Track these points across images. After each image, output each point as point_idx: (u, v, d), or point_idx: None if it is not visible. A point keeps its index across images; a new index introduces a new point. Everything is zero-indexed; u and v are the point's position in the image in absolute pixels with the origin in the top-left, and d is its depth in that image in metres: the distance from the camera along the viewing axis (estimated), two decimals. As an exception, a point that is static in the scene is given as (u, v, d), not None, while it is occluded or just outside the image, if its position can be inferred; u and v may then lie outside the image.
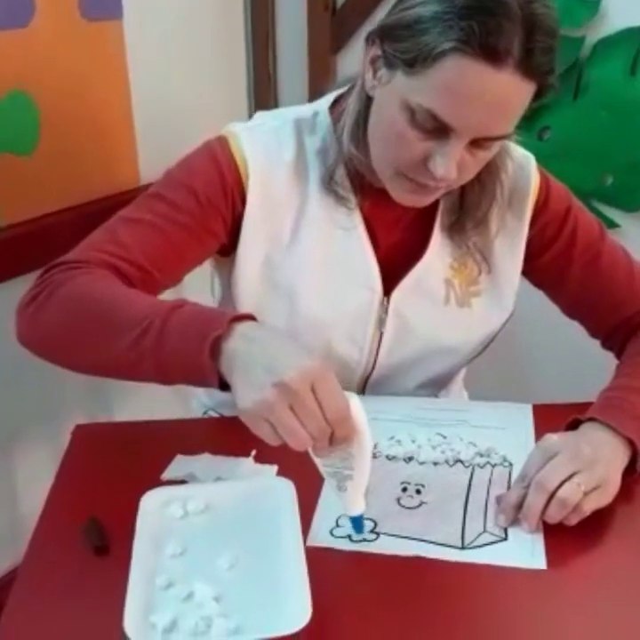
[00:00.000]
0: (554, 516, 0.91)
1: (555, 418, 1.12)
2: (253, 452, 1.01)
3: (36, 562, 0.90)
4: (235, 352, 0.84)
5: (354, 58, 2.01)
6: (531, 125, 1.97)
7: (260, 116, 1.19)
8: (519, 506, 0.93)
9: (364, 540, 0.91)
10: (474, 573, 0.87)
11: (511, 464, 1.03)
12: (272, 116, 1.17)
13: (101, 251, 1.02)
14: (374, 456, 1.04)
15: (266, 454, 1.01)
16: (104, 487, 1.00)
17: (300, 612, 0.76)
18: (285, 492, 0.92)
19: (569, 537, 0.91)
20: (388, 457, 1.05)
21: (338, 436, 0.82)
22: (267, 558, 0.85)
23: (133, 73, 1.72)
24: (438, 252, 1.16)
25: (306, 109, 1.15)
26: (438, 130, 0.95)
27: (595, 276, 1.19)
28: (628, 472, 0.98)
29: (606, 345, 1.25)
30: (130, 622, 0.76)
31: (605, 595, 0.85)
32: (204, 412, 1.33)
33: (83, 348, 0.95)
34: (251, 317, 0.88)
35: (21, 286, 1.56)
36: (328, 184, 1.10)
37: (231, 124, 1.13)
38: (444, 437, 1.08)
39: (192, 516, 0.92)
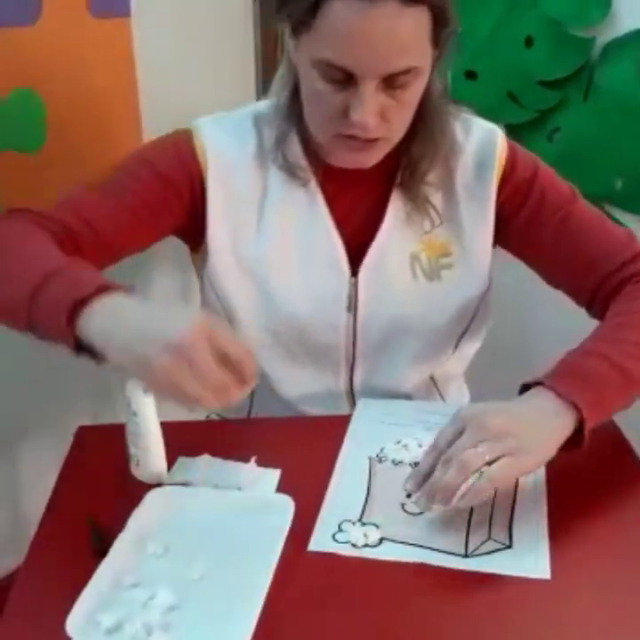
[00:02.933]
0: (455, 479, 0.87)
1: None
2: (254, 457, 1.01)
3: (36, 563, 0.89)
4: (102, 326, 0.87)
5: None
6: (541, 127, 1.96)
7: (221, 113, 1.22)
8: (428, 475, 0.92)
9: (367, 545, 0.90)
10: (477, 581, 0.85)
11: None
12: (235, 112, 1.21)
13: (57, 206, 1.09)
14: (380, 460, 1.03)
15: (268, 458, 1.01)
16: (106, 489, 1.00)
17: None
18: (282, 511, 0.91)
19: (574, 546, 0.90)
20: (393, 462, 1.04)
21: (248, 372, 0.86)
22: (235, 578, 0.84)
23: (141, 70, 1.71)
24: (397, 216, 1.16)
25: (265, 104, 1.18)
26: (346, 79, 0.99)
27: (567, 236, 1.16)
28: (576, 441, 0.95)
29: (591, 313, 1.19)
30: (74, 617, 0.76)
31: (610, 604, 0.83)
32: (207, 416, 1.33)
33: None
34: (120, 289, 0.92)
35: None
36: (285, 165, 1.13)
37: (199, 118, 1.18)
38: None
39: (184, 519, 0.92)
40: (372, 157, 1.09)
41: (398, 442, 1.07)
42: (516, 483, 1.00)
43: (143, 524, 0.90)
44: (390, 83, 0.99)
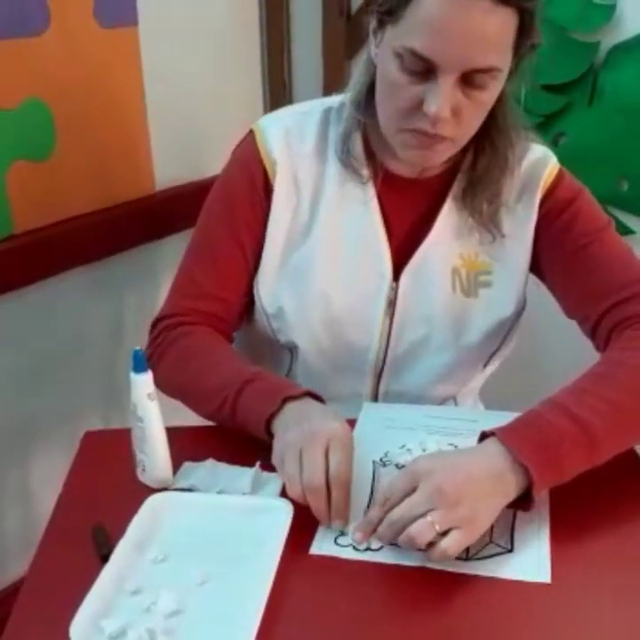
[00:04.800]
0: (406, 548, 0.88)
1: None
2: (258, 463, 1.02)
3: (42, 569, 0.90)
4: (279, 425, 1.01)
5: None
6: (546, 131, 1.96)
7: (292, 106, 1.27)
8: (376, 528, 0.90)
9: (369, 548, 0.90)
10: (477, 585, 0.86)
11: None
12: (303, 105, 1.25)
13: (185, 296, 1.21)
14: (384, 464, 1.04)
15: (272, 464, 1.01)
16: (112, 494, 1.01)
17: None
18: (281, 514, 0.92)
19: (574, 551, 0.91)
20: (397, 465, 1.04)
21: (335, 496, 0.92)
22: (236, 583, 0.85)
23: (148, 79, 1.72)
24: (446, 228, 1.17)
25: (336, 99, 1.20)
26: (426, 71, 1.00)
27: (585, 261, 1.15)
28: (524, 501, 0.91)
29: (594, 345, 1.16)
30: (77, 623, 0.78)
31: (610, 609, 0.84)
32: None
33: (187, 405, 1.15)
34: (306, 394, 1.04)
35: (37, 293, 1.60)
36: (347, 161, 1.15)
37: (262, 118, 1.22)
38: (456, 447, 1.07)
39: (185, 524, 0.93)
40: (437, 156, 1.09)
41: (402, 446, 1.08)
42: None
43: (142, 530, 0.91)
44: (468, 81, 1.00)
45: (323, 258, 1.17)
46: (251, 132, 1.21)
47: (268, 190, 1.18)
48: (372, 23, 1.06)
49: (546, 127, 1.95)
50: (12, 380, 1.63)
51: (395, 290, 1.18)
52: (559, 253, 1.17)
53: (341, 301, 1.18)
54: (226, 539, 0.92)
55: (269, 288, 1.20)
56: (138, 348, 0.97)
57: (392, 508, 0.89)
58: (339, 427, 0.98)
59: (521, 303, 1.22)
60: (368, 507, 0.97)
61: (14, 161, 1.51)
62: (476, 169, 1.15)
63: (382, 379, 1.24)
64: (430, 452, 1.06)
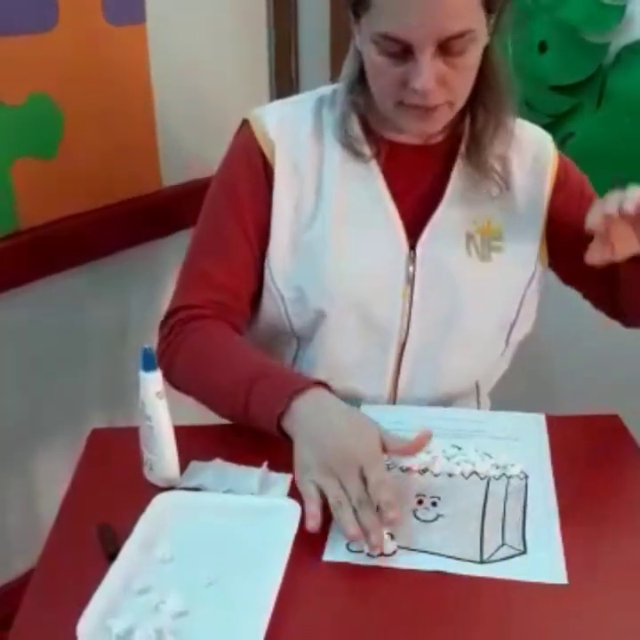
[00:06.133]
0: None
1: (569, 429, 1.11)
2: (266, 463, 1.01)
3: (49, 567, 0.90)
4: (293, 425, 1.00)
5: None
6: (554, 132, 1.94)
7: (283, 99, 1.30)
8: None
9: (382, 554, 0.89)
10: (493, 588, 0.85)
11: (527, 476, 1.02)
12: (295, 97, 1.29)
13: (193, 288, 1.21)
14: (388, 468, 1.03)
15: (280, 463, 1.01)
16: (118, 493, 1.01)
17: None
18: (290, 515, 0.91)
19: (590, 551, 0.90)
20: (401, 469, 1.04)
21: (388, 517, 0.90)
22: (244, 584, 0.84)
23: (156, 76, 1.72)
24: (457, 192, 1.19)
25: (328, 88, 1.25)
26: (403, 50, 1.03)
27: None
28: None
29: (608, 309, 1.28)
30: (85, 622, 0.77)
31: (629, 610, 0.83)
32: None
33: (201, 401, 1.15)
34: (317, 383, 1.04)
35: (43, 289, 1.60)
36: (347, 142, 1.18)
37: (256, 108, 1.24)
38: (459, 449, 1.07)
39: (192, 524, 0.93)
40: (437, 123, 1.13)
41: None
42: (526, 486, 1.00)
43: (150, 530, 0.91)
44: (446, 49, 1.03)
45: (335, 237, 1.18)
46: (245, 121, 1.23)
47: (268, 175, 1.19)
48: (350, 16, 1.10)
49: (554, 128, 1.94)
50: (16, 376, 1.63)
51: (412, 259, 1.18)
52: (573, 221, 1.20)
53: (361, 278, 1.19)
54: (233, 539, 0.91)
55: (283, 271, 1.20)
56: (147, 345, 0.97)
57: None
58: (366, 438, 0.97)
59: (531, 270, 1.23)
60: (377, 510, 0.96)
61: (20, 157, 1.51)
62: (475, 128, 1.18)
63: (405, 353, 1.22)
64: (434, 454, 1.06)
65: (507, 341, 1.27)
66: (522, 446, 1.08)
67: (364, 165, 1.19)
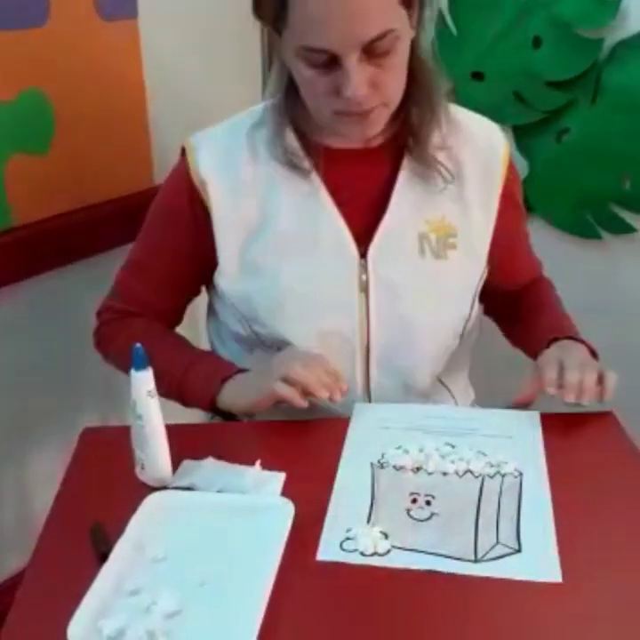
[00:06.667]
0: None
1: (564, 426, 1.11)
2: (259, 462, 1.01)
3: (40, 567, 0.89)
4: (228, 395, 1.16)
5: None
6: (548, 128, 1.95)
7: (221, 122, 1.27)
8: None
9: (376, 554, 0.89)
10: (488, 587, 0.85)
11: (521, 473, 1.02)
12: (226, 120, 1.27)
13: (118, 296, 1.33)
14: (382, 466, 1.03)
15: (273, 461, 1.01)
16: (110, 492, 1.00)
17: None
18: (282, 514, 0.91)
19: (584, 549, 0.90)
20: (395, 467, 1.04)
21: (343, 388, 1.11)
22: (237, 583, 0.84)
23: (148, 72, 1.71)
24: (406, 191, 1.19)
25: (259, 107, 1.23)
26: (329, 60, 1.02)
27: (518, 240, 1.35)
28: None
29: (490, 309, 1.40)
30: (75, 624, 0.77)
31: (624, 607, 0.83)
32: (211, 417, 1.32)
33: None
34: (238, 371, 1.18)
35: (37, 286, 1.59)
36: (285, 159, 1.17)
37: (192, 135, 1.25)
38: (453, 447, 1.07)
39: (184, 524, 0.92)
40: (375, 125, 1.12)
41: (399, 447, 1.07)
42: (520, 484, 1.00)
43: (142, 530, 0.90)
44: (371, 52, 1.02)
45: (282, 258, 1.18)
46: (182, 150, 1.24)
47: (205, 207, 1.20)
48: (271, 31, 1.10)
49: (549, 124, 1.95)
50: (9, 374, 1.62)
51: (364, 266, 1.18)
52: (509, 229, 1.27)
53: (313, 295, 1.18)
54: (226, 538, 0.91)
55: (235, 292, 1.22)
56: (138, 344, 0.96)
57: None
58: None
59: (483, 270, 1.25)
60: (371, 508, 0.96)
61: (13, 153, 1.50)
62: (411, 123, 1.17)
63: (371, 359, 1.22)
64: (428, 452, 1.05)
65: (461, 336, 1.27)
66: (516, 444, 1.08)
67: (306, 180, 1.18)
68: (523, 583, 0.85)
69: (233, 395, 1.16)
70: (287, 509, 0.92)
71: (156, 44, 1.71)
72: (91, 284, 1.71)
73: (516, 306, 1.39)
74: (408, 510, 0.96)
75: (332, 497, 0.97)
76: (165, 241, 1.26)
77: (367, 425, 1.13)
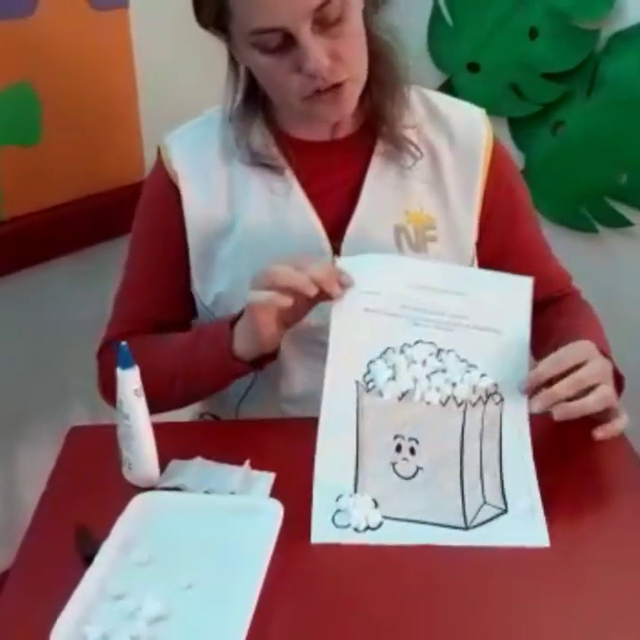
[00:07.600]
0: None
1: (555, 428, 1.09)
2: (248, 462, 1.00)
3: (24, 571, 0.88)
4: (241, 340, 1.07)
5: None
6: (545, 120, 1.94)
7: (193, 119, 1.27)
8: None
9: (368, 528, 0.90)
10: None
11: (502, 399, 0.99)
12: (204, 115, 1.25)
13: (123, 322, 1.26)
14: (368, 389, 1.00)
15: (262, 461, 1.00)
16: (97, 493, 0.99)
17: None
18: (271, 515, 0.89)
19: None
20: (380, 393, 0.99)
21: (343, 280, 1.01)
22: (224, 586, 0.83)
23: (139, 63, 1.69)
24: (379, 183, 1.16)
25: (217, 108, 1.22)
26: (283, 40, 1.01)
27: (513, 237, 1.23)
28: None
29: None
30: (59, 628, 0.76)
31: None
32: (201, 416, 1.31)
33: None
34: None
35: (26, 280, 1.57)
36: (253, 161, 1.16)
37: (167, 135, 1.24)
38: (441, 360, 1.00)
39: (172, 525, 0.91)
40: (348, 103, 1.09)
41: (384, 351, 1.01)
42: (500, 439, 0.98)
43: (127, 532, 0.89)
44: (323, 22, 1.00)
45: (252, 254, 1.14)
46: (157, 151, 1.23)
47: (180, 202, 1.19)
48: (218, 34, 1.09)
49: (545, 116, 1.94)
50: (-2, 369, 1.61)
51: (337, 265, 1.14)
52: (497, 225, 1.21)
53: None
54: (214, 540, 0.89)
55: (208, 294, 1.19)
56: (123, 342, 0.94)
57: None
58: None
59: (469, 260, 1.20)
60: (357, 469, 0.96)
61: (2, 145, 1.49)
62: (375, 103, 1.15)
63: None
64: (415, 366, 1.00)
65: None
66: (502, 342, 1.01)
67: (280, 177, 1.16)
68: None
69: (242, 336, 1.08)
70: (276, 510, 0.90)
71: (146, 34, 1.69)
72: (80, 277, 1.71)
73: (546, 321, 1.20)
74: (394, 464, 0.96)
75: (319, 438, 0.98)
76: (155, 251, 1.23)
77: (351, 304, 1.04)
